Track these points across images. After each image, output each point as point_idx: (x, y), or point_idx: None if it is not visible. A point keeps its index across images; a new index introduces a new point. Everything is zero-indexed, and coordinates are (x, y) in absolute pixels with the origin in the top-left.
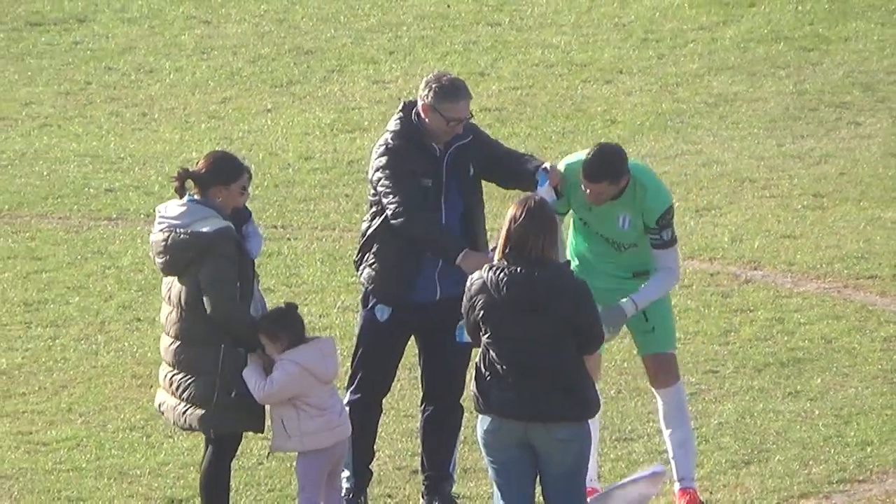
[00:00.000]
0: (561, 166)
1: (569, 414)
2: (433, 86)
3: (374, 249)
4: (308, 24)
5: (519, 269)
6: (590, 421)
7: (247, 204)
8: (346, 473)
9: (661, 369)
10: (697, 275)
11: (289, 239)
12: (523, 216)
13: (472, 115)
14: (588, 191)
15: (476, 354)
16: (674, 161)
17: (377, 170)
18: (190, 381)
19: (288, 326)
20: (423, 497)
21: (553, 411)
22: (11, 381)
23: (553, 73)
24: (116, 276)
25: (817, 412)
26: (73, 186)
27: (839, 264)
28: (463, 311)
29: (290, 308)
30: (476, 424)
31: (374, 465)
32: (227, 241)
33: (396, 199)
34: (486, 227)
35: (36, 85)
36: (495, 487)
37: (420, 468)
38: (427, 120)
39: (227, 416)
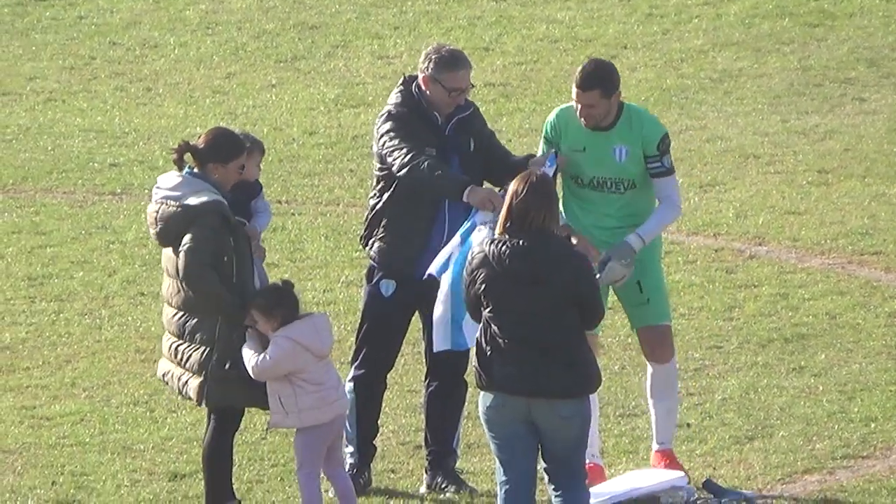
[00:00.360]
0: (552, 114)
1: (572, 390)
2: (433, 57)
3: (383, 223)
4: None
5: (521, 242)
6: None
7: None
8: (349, 449)
9: (658, 343)
10: (702, 250)
11: (293, 214)
12: (525, 190)
13: (474, 86)
14: (579, 106)
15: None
16: (678, 137)
17: (382, 135)
18: (192, 349)
19: (282, 304)
20: (426, 472)
21: (556, 387)
22: (15, 355)
23: (557, 49)
24: (120, 251)
25: (821, 388)
26: (78, 161)
27: (843, 240)
28: (464, 285)
29: (286, 285)
30: (478, 400)
31: (377, 441)
32: (212, 214)
33: (402, 150)
34: None
35: (40, 60)
36: (498, 462)
37: (424, 443)
38: (428, 92)
39: (222, 389)
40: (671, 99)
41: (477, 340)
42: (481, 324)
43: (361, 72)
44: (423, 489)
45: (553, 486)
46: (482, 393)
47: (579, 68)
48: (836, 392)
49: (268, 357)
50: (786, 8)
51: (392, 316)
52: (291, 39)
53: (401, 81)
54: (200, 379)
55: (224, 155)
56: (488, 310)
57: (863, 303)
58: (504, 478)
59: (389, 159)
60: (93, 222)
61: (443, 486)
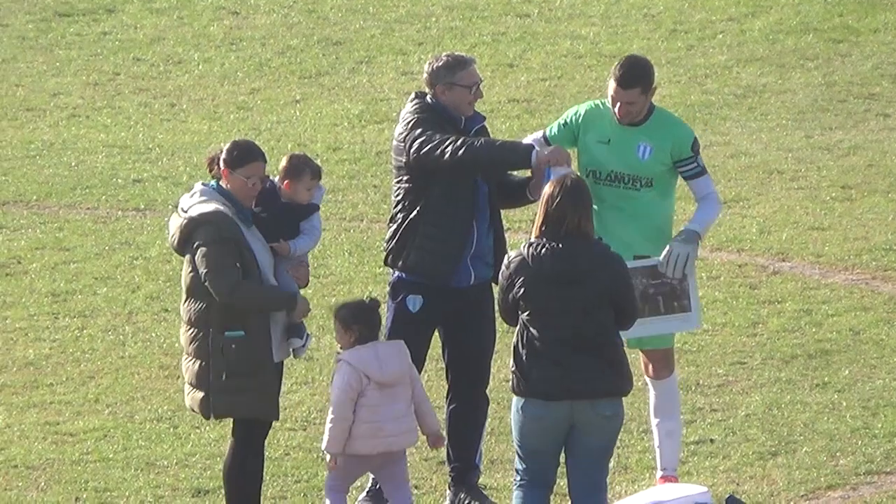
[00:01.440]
0: (584, 105)
1: (614, 388)
2: (437, 66)
3: (420, 234)
4: (337, 15)
5: (559, 245)
6: None
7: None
8: None
9: (658, 363)
10: (725, 266)
11: None
12: (561, 194)
13: (483, 80)
14: (618, 104)
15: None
16: (702, 152)
17: (417, 139)
18: (191, 363)
19: (361, 320)
20: (449, 488)
21: (599, 386)
22: (39, 371)
23: (581, 65)
24: (144, 267)
25: (845, 404)
26: (101, 177)
27: (867, 256)
28: (499, 290)
29: (371, 303)
30: (512, 409)
31: None
32: (205, 226)
33: (447, 140)
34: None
35: (64, 75)
36: (519, 462)
37: (447, 459)
38: (447, 100)
39: (223, 400)
40: (695, 115)
41: (513, 346)
42: (517, 328)
43: (385, 87)
44: None
45: (574, 495)
46: (517, 400)
47: (618, 65)
48: (860, 408)
49: (333, 386)
50: (810, 24)
51: (418, 331)
52: (315, 55)
53: (413, 97)
54: (203, 392)
55: (232, 161)
56: (526, 313)
57: (886, 318)
58: (523, 466)
59: (435, 153)
60: (116, 238)
61: (466, 501)
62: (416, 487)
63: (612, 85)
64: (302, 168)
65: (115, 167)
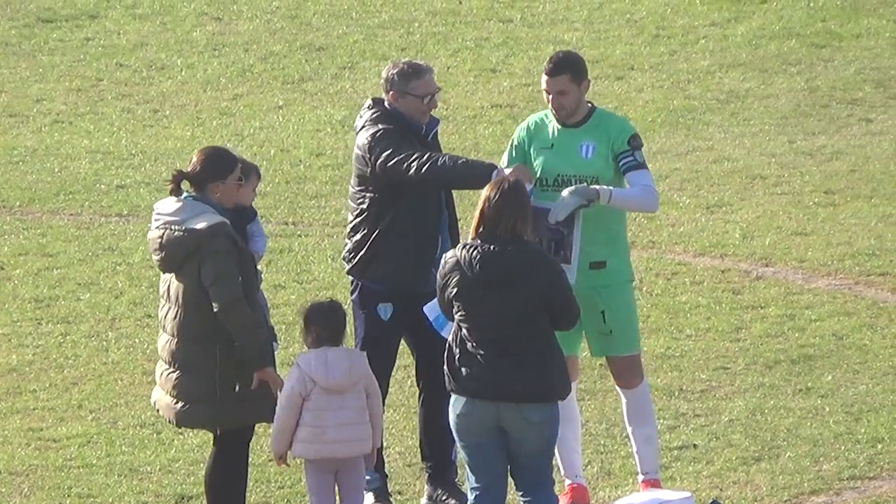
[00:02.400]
0: (524, 124)
1: (541, 393)
2: (392, 74)
3: (393, 242)
4: (320, 21)
5: (492, 248)
6: (569, 409)
7: (257, 200)
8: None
9: (625, 371)
10: (708, 271)
11: (300, 235)
12: (497, 196)
13: (440, 89)
14: (551, 96)
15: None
16: (685, 158)
17: (383, 152)
18: (189, 378)
19: (318, 321)
20: (427, 485)
21: (524, 391)
22: (22, 377)
23: None
24: (127, 273)
25: (828, 409)
26: (85, 183)
27: (850, 261)
28: (437, 288)
29: (329, 305)
30: (449, 406)
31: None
32: (221, 237)
33: (412, 155)
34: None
35: (47, 81)
36: (468, 469)
37: (421, 456)
38: (401, 108)
39: (233, 411)
40: (678, 120)
41: (448, 344)
42: (453, 327)
43: (368, 93)
44: (424, 502)
45: (521, 492)
46: (452, 398)
47: (549, 58)
48: (843, 413)
49: (283, 388)
50: (792, 29)
51: (390, 339)
52: (298, 61)
53: (369, 104)
54: (207, 406)
55: (221, 171)
56: (459, 314)
57: (870, 324)
58: (476, 484)
59: (402, 168)
60: (100, 244)
61: (444, 498)
62: (399, 493)
63: (543, 77)
64: (250, 169)
65: (99, 173)
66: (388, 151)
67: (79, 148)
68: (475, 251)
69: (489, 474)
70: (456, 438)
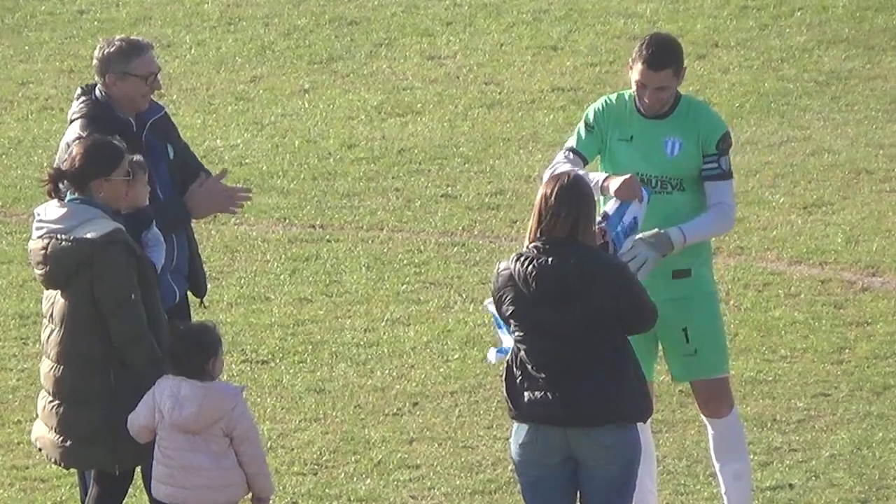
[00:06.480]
0: (601, 101)
1: (612, 415)
2: (108, 52)
3: None
4: None
5: (548, 260)
6: (644, 433)
7: (279, 198)
8: None
9: (712, 397)
10: (806, 282)
11: (329, 240)
12: (555, 192)
13: (161, 69)
14: (647, 90)
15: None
16: (778, 149)
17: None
18: (77, 412)
19: (171, 348)
20: None
21: (594, 413)
22: (5, 406)
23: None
24: None
25: None
26: None
27: None
28: (493, 301)
29: (194, 330)
30: (510, 436)
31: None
32: (117, 247)
33: None
34: None
35: (35, 62)
36: None
37: None
38: (120, 91)
39: (135, 446)
40: (770, 105)
41: (507, 365)
42: (511, 347)
43: (409, 74)
44: None
45: None
46: (514, 427)
47: (643, 44)
48: None
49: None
50: None
51: None
52: (327, 37)
53: (79, 92)
54: (102, 445)
55: (105, 165)
56: (517, 332)
57: None
58: None
59: None
60: None
61: None
62: None
63: (638, 68)
64: (140, 164)
65: None
66: None
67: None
68: (530, 264)
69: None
70: (518, 474)
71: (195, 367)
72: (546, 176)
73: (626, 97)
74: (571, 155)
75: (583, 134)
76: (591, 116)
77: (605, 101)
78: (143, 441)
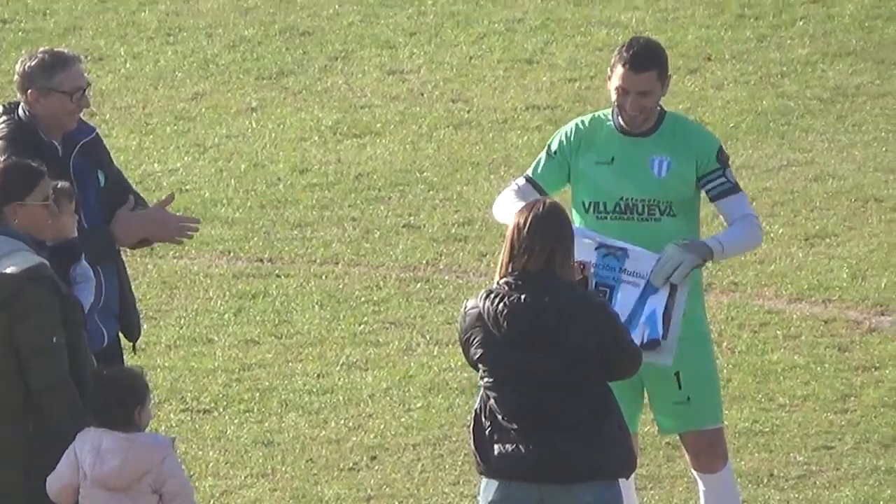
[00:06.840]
0: (572, 123)
1: (593, 471)
2: (30, 65)
3: None
4: None
5: (521, 298)
6: (627, 490)
7: (223, 229)
8: None
9: (704, 450)
10: (807, 321)
11: (278, 276)
12: (529, 222)
13: (91, 84)
14: (629, 96)
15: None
16: (777, 174)
17: None
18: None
19: (92, 397)
20: None
21: (572, 468)
22: None
23: None
24: None
25: None
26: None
27: None
28: (460, 343)
29: (107, 376)
30: (479, 492)
31: None
32: (40, 285)
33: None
34: None
35: None
36: None
37: None
38: (43, 109)
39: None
40: (768, 125)
41: (474, 413)
42: (479, 395)
43: (367, 91)
44: None
45: None
46: (483, 483)
47: (623, 47)
48: None
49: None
50: None
51: None
52: (277, 49)
53: (0, 111)
54: (21, 500)
55: (19, 188)
56: (486, 378)
57: None
58: None
59: None
60: None
61: None
62: None
63: (619, 72)
64: (65, 191)
65: None
66: None
67: None
68: (501, 302)
69: None
70: None
71: (119, 417)
72: (495, 210)
73: (603, 117)
74: (524, 183)
75: (542, 160)
76: (555, 141)
77: (576, 123)
78: (65, 503)
